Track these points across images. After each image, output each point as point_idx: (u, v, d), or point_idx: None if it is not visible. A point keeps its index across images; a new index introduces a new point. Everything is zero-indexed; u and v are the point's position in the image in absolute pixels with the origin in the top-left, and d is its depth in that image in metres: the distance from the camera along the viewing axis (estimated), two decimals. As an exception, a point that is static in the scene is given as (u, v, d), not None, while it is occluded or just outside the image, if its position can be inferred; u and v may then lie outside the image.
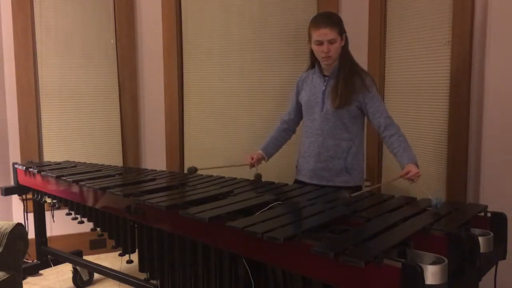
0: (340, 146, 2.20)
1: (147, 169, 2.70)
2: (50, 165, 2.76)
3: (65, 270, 2.97)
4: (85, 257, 2.99)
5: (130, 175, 2.45)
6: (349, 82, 2.15)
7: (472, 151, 2.25)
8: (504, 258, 1.47)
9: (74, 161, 2.99)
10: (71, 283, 2.81)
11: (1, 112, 3.09)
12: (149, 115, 3.39)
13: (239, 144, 3.13)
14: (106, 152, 3.33)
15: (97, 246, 3.32)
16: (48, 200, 2.62)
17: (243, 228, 1.38)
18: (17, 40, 3.07)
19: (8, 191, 2.76)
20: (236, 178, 2.24)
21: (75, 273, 2.78)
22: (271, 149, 2.39)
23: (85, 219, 2.37)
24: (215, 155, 3.21)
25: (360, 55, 2.64)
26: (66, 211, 2.46)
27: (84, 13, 3.22)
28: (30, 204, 2.84)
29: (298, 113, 2.39)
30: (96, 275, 2.88)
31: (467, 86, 2.24)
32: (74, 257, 2.76)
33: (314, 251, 1.19)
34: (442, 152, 2.40)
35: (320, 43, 2.14)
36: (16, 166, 2.78)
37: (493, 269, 1.43)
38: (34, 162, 2.97)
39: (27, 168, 2.66)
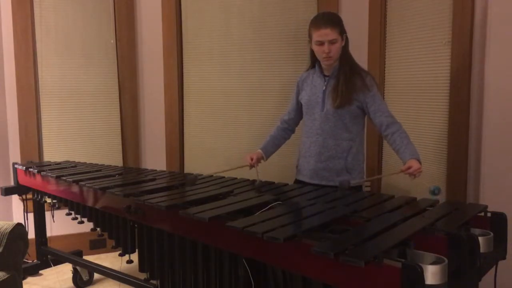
0: (341, 146, 2.20)
1: (147, 169, 2.70)
2: (50, 165, 2.76)
3: (65, 270, 2.97)
4: (85, 257, 2.99)
5: (130, 175, 2.45)
6: (350, 82, 2.15)
7: (472, 151, 2.25)
8: (504, 258, 1.47)
9: (74, 161, 2.99)
10: (71, 283, 2.81)
11: (1, 112, 3.09)
12: (149, 115, 3.39)
13: (239, 144, 3.13)
14: (106, 152, 3.33)
15: (97, 246, 3.32)
16: (48, 200, 2.62)
17: (243, 228, 1.38)
18: (17, 40, 3.07)
19: (8, 191, 2.76)
20: (236, 178, 2.24)
21: (75, 273, 2.78)
22: (271, 148, 2.39)
23: (85, 219, 2.37)
24: (215, 155, 3.21)
25: (360, 55, 2.64)
26: (66, 211, 2.46)
27: (84, 13, 3.22)
28: (30, 204, 2.84)
29: (298, 113, 2.39)
30: (96, 275, 2.88)
31: (467, 86, 2.24)
32: (74, 257, 2.76)
33: (314, 251, 1.19)
34: (442, 152, 2.40)
35: (321, 43, 2.14)
36: (16, 166, 2.78)
37: (493, 269, 1.43)
38: (34, 162, 2.97)
39: (27, 168, 2.66)
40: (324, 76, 2.25)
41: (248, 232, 1.36)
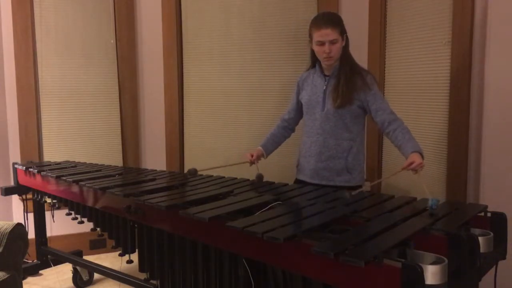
0: (341, 146, 2.20)
1: (147, 169, 2.70)
2: (50, 165, 2.76)
3: (65, 270, 2.97)
4: (85, 257, 2.99)
5: (130, 175, 2.45)
6: (350, 82, 2.15)
7: (472, 151, 2.25)
8: (504, 258, 1.47)
9: (74, 161, 2.99)
10: (71, 283, 2.81)
11: (1, 112, 3.09)
12: (149, 115, 3.39)
13: (239, 144, 3.13)
14: (106, 152, 3.33)
15: (97, 246, 3.32)
16: (48, 200, 2.62)
17: (243, 228, 1.38)
18: (17, 40, 3.07)
19: (8, 191, 2.76)
20: (236, 178, 2.24)
21: (75, 273, 2.78)
22: (270, 146, 2.40)
23: (85, 219, 2.37)
24: (215, 155, 3.21)
25: (360, 55, 2.64)
26: (66, 211, 2.46)
27: (84, 13, 3.22)
28: (30, 204, 2.84)
29: (298, 112, 2.39)
30: (96, 275, 2.88)
31: (467, 86, 2.24)
32: (74, 257, 2.76)
33: (314, 251, 1.19)
34: (442, 152, 2.40)
35: (321, 43, 2.14)
36: (16, 166, 2.78)
37: (493, 269, 1.43)
38: (34, 162, 2.97)
39: (27, 168, 2.66)
40: (325, 76, 2.25)
41: (248, 232, 1.36)
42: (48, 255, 2.85)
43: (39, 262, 2.86)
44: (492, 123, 2.12)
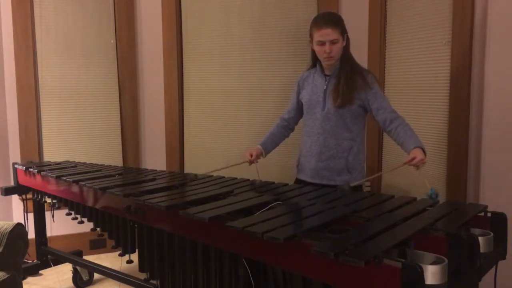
0: (342, 146, 2.20)
1: (147, 169, 2.70)
2: (50, 165, 2.76)
3: (65, 270, 2.97)
4: (85, 257, 2.99)
5: (130, 175, 2.45)
6: (351, 81, 2.15)
7: (472, 151, 2.25)
8: (504, 258, 1.47)
9: (74, 161, 2.99)
10: (71, 283, 2.81)
11: (1, 112, 3.09)
12: (149, 115, 3.39)
13: (239, 144, 3.13)
14: (106, 152, 3.33)
15: (97, 246, 3.32)
16: (48, 200, 2.62)
17: (243, 228, 1.38)
18: (17, 40, 3.07)
19: (8, 191, 2.76)
20: (236, 178, 2.24)
21: (75, 273, 2.78)
22: (270, 145, 2.39)
23: (85, 219, 2.37)
24: (215, 155, 3.21)
25: (360, 55, 2.64)
26: (66, 211, 2.46)
27: (84, 13, 3.22)
28: (30, 204, 2.84)
29: (298, 112, 2.40)
30: (96, 275, 2.88)
31: (467, 86, 2.24)
32: (74, 257, 2.76)
33: (314, 251, 1.19)
34: (442, 152, 2.40)
35: (322, 43, 2.14)
36: (16, 166, 2.78)
37: (493, 269, 1.43)
38: (34, 162, 2.97)
39: (27, 168, 2.66)
40: (325, 75, 2.25)
41: (248, 232, 1.36)
42: (48, 255, 2.85)
43: (39, 262, 2.86)
44: (492, 123, 2.12)
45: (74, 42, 3.21)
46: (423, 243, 1.29)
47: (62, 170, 2.56)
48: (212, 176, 2.34)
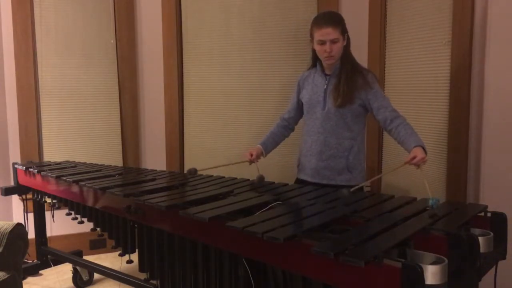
0: (342, 145, 2.20)
1: (147, 169, 2.70)
2: (50, 165, 2.76)
3: (65, 270, 2.97)
4: (85, 257, 2.99)
5: (130, 175, 2.45)
6: (351, 81, 2.15)
7: (472, 151, 2.25)
8: (504, 258, 1.47)
9: (74, 161, 2.99)
10: (71, 283, 2.81)
11: (1, 112, 3.09)
12: (149, 115, 3.39)
13: (239, 144, 3.13)
14: (106, 152, 3.33)
15: (97, 246, 3.32)
16: (48, 200, 2.62)
17: (243, 228, 1.38)
18: (17, 40, 3.07)
19: (8, 191, 2.76)
20: (236, 178, 2.24)
21: (75, 273, 2.78)
22: (270, 144, 2.39)
23: (85, 219, 2.37)
24: (215, 155, 3.21)
25: (360, 55, 2.64)
26: (66, 211, 2.46)
27: (84, 13, 3.22)
28: (30, 204, 2.84)
29: (298, 111, 2.40)
30: (96, 275, 2.88)
31: (467, 86, 2.24)
32: (74, 257, 2.76)
33: (314, 251, 1.19)
34: (442, 152, 2.40)
35: (322, 42, 2.14)
36: (16, 166, 2.78)
37: (493, 269, 1.43)
38: (34, 162, 2.97)
39: (27, 168, 2.66)
40: (326, 75, 2.25)
41: (248, 232, 1.36)
42: (48, 255, 2.85)
43: (39, 262, 2.86)
44: (492, 123, 2.12)
45: (74, 42, 3.21)
46: (423, 243, 1.29)
47: (62, 170, 2.56)
48: (212, 176, 2.34)
